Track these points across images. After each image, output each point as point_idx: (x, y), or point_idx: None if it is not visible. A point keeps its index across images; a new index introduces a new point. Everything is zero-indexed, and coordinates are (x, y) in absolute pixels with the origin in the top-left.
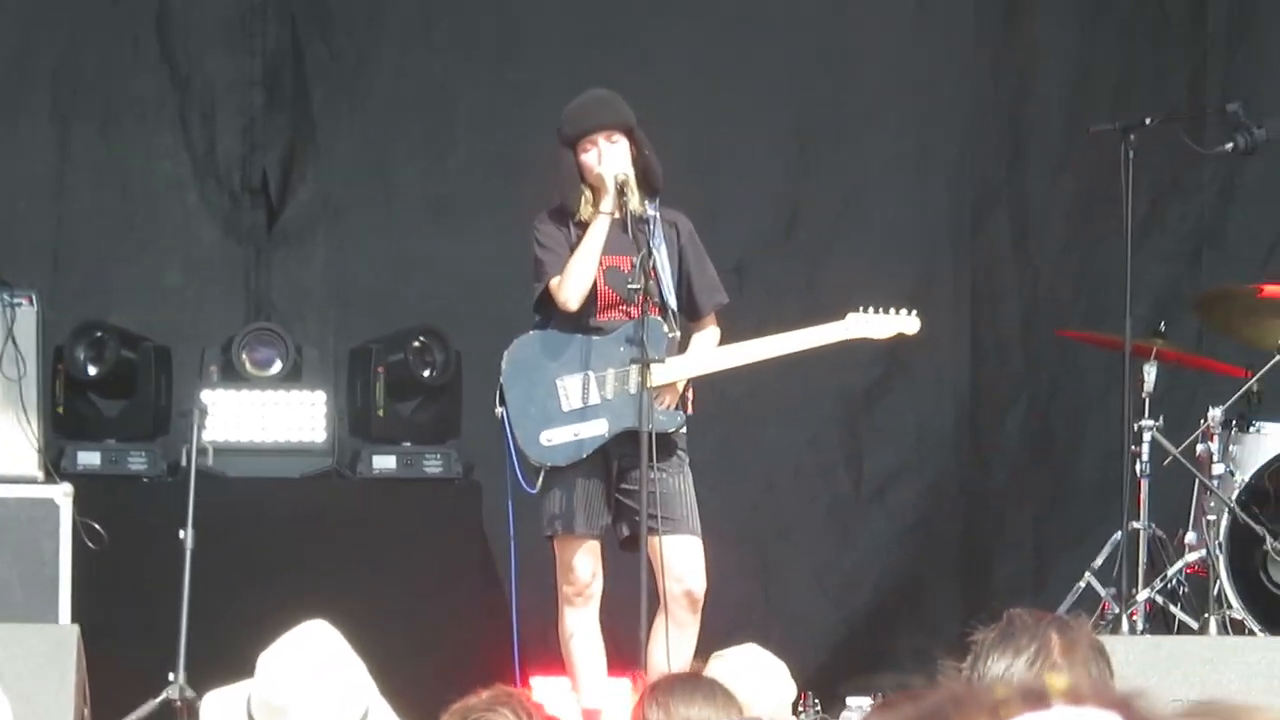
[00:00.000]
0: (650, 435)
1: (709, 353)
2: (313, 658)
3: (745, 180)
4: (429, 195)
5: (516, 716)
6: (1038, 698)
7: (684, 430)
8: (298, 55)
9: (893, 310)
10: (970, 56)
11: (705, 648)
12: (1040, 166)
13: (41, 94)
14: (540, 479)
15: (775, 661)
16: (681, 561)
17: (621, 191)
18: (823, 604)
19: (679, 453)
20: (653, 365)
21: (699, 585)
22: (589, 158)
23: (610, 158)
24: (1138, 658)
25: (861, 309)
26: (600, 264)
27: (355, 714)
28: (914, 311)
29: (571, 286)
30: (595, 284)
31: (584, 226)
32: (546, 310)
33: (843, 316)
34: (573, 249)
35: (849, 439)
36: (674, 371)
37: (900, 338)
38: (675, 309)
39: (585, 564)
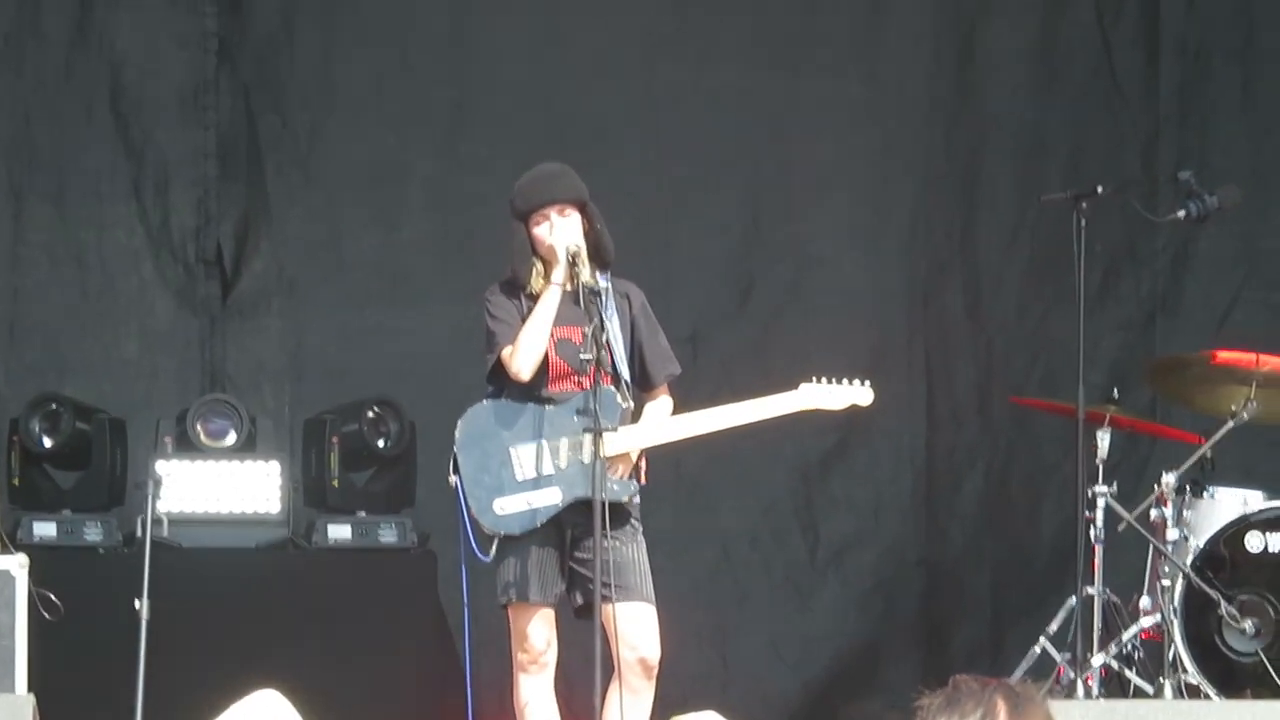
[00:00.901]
0: (603, 504)
1: (662, 423)
2: None
3: (698, 250)
4: (383, 266)
5: None
6: None
7: (637, 499)
8: (251, 127)
9: (846, 381)
10: (922, 126)
11: (664, 716)
12: (993, 235)
13: None
14: (494, 547)
15: None
16: (635, 629)
17: (573, 263)
18: (781, 671)
19: (632, 521)
20: (606, 434)
21: (653, 652)
22: (541, 231)
23: (562, 230)
24: None
25: (815, 379)
26: (552, 335)
27: None
28: (867, 382)
29: (523, 357)
30: (547, 355)
31: (535, 298)
32: (499, 381)
33: (796, 386)
34: (524, 320)
35: (804, 507)
36: (627, 441)
37: (854, 409)
38: (628, 379)
39: (539, 632)
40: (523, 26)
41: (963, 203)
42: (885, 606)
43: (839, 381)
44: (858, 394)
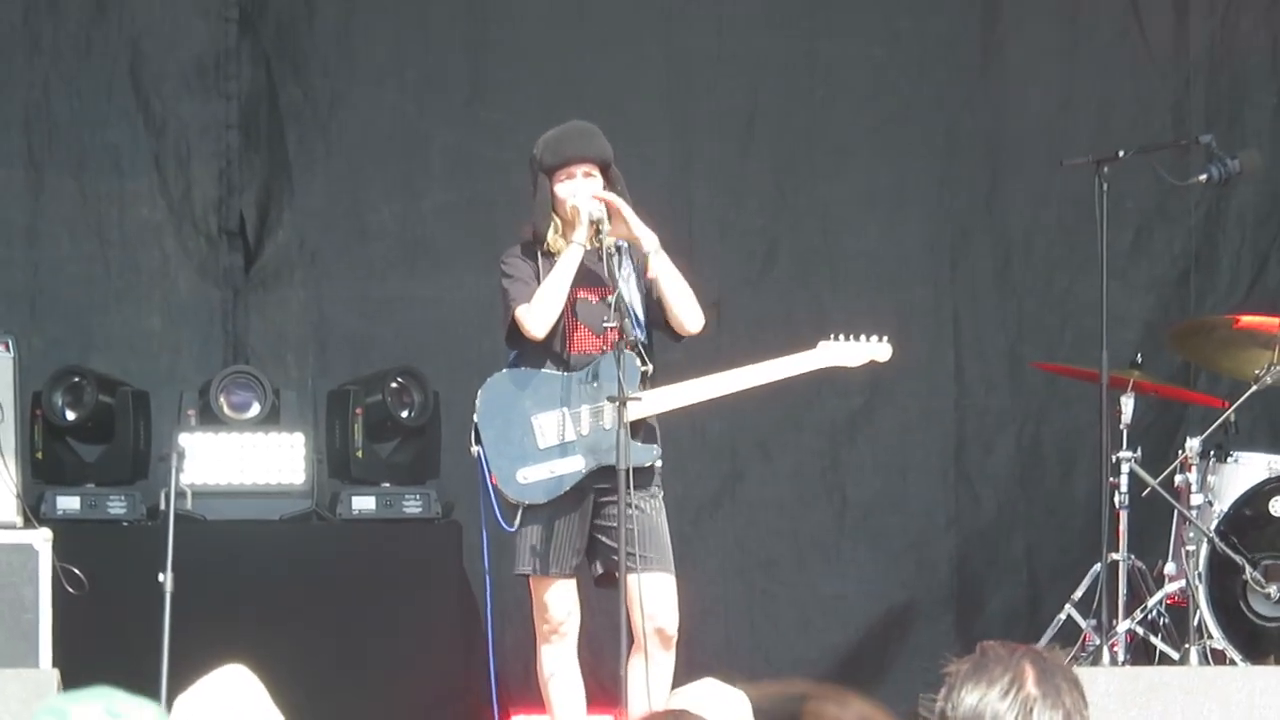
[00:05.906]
0: (628, 471)
1: (683, 386)
2: (231, 706)
3: (721, 217)
4: (405, 236)
5: None
6: None
7: (659, 463)
8: (272, 98)
9: (864, 337)
10: (947, 88)
11: (691, 682)
12: (1021, 198)
13: (15, 140)
14: (518, 517)
15: (735, 693)
16: (654, 599)
17: (597, 229)
18: (809, 636)
19: (654, 487)
20: (628, 401)
21: (671, 622)
22: (563, 189)
23: (586, 191)
24: (1117, 689)
25: (833, 336)
26: (570, 296)
27: None
28: (885, 338)
29: (540, 315)
30: (565, 316)
31: (553, 257)
32: (518, 342)
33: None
34: (539, 280)
35: (831, 470)
36: (649, 406)
37: (873, 365)
38: (645, 342)
39: (560, 603)
40: None
41: (990, 165)
42: (915, 570)
43: (857, 338)
44: (876, 350)
